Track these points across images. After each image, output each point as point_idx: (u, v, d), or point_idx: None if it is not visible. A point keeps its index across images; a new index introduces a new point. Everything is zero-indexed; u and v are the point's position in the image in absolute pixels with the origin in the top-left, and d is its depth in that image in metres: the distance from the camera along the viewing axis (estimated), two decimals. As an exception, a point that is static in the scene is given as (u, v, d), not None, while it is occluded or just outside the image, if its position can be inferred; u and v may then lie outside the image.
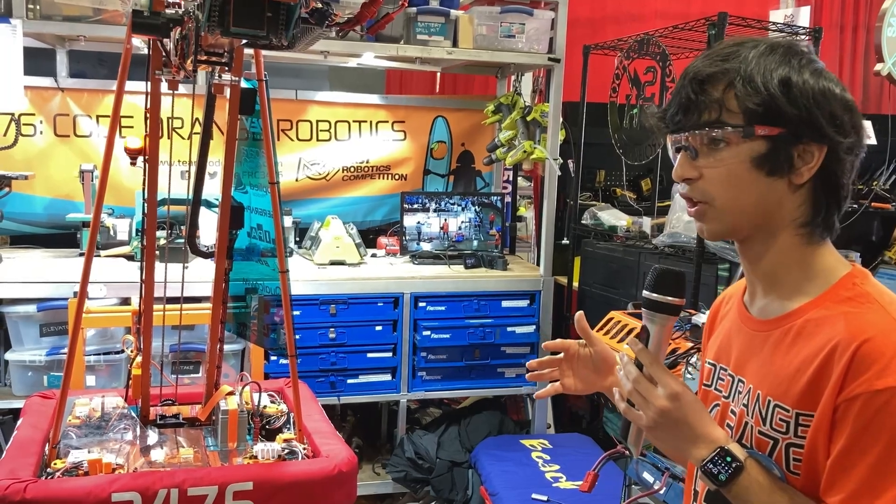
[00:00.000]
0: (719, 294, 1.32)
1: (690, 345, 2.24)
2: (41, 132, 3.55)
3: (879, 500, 0.92)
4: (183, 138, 3.45)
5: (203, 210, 2.23)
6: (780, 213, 1.05)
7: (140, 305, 2.13)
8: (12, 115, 3.47)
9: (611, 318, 2.79)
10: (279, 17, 1.17)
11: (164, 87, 1.92)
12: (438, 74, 4.34)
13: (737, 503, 1.01)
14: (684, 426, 1.04)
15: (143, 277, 2.07)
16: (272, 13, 1.16)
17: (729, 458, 1.00)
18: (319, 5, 1.20)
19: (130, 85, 2.09)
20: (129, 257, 3.32)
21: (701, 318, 2.33)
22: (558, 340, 1.40)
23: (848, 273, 1.05)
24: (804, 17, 3.76)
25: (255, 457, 2.08)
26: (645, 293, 1.11)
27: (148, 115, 1.92)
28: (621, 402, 1.11)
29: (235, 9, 1.18)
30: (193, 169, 2.11)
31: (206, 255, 2.22)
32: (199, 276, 2.57)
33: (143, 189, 2.02)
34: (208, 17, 1.21)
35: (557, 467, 3.15)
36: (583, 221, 3.78)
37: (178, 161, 3.41)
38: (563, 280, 3.88)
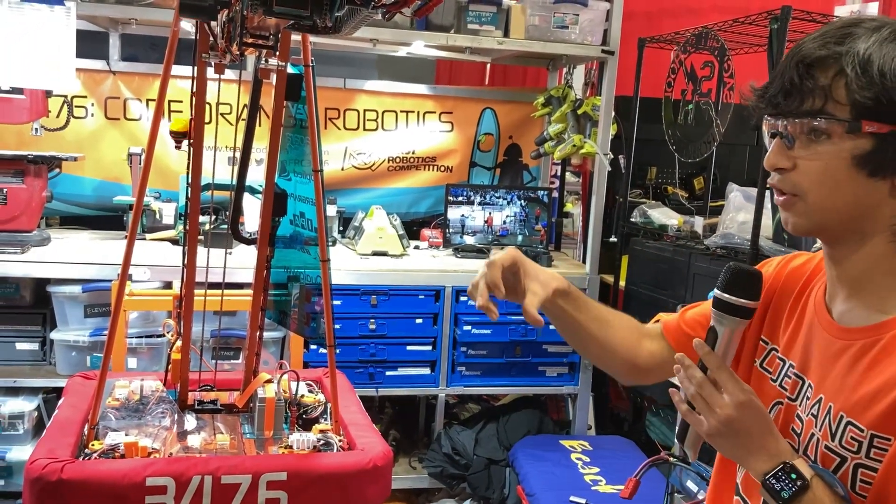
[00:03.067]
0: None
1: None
2: (92, 114, 3.59)
3: None
4: (230, 123, 3.45)
5: (247, 196, 2.21)
6: (877, 216, 0.96)
7: (181, 290, 2.12)
8: (65, 96, 3.51)
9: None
10: (324, -4, 1.13)
11: (210, 71, 1.90)
12: (488, 65, 4.27)
13: None
14: (747, 436, 0.99)
15: (185, 262, 2.06)
16: (317, -7, 1.13)
17: (794, 476, 0.95)
18: (365, -15, 1.16)
19: (179, 69, 2.08)
20: (175, 241, 3.34)
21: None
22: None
23: None
24: (872, 14, 3.61)
25: (291, 446, 2.06)
26: (716, 292, 1.05)
27: (194, 98, 1.91)
28: (682, 404, 1.05)
29: (279, -13, 1.14)
30: (238, 154, 2.09)
31: (248, 242, 2.20)
32: (242, 262, 2.56)
33: (187, 173, 2.01)
34: (253, -4, 1.18)
35: (597, 470, 3.08)
36: (632, 219, 3.69)
37: (225, 146, 3.42)
38: (610, 279, 3.79)
